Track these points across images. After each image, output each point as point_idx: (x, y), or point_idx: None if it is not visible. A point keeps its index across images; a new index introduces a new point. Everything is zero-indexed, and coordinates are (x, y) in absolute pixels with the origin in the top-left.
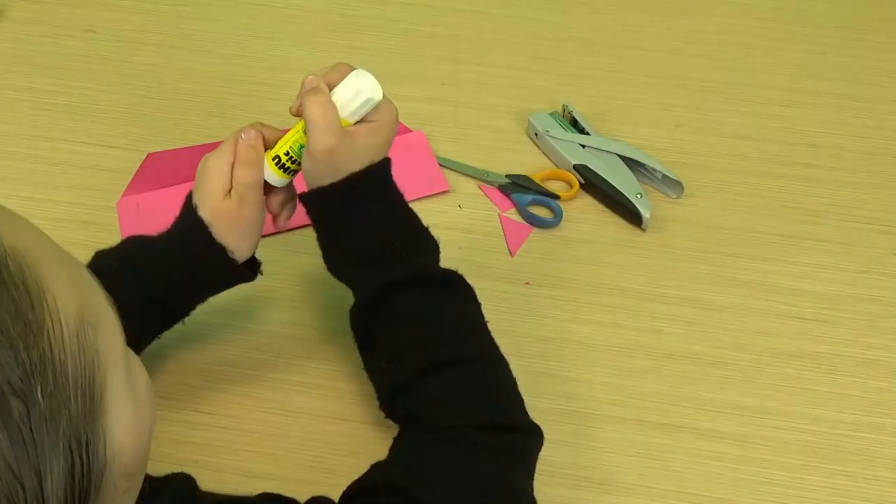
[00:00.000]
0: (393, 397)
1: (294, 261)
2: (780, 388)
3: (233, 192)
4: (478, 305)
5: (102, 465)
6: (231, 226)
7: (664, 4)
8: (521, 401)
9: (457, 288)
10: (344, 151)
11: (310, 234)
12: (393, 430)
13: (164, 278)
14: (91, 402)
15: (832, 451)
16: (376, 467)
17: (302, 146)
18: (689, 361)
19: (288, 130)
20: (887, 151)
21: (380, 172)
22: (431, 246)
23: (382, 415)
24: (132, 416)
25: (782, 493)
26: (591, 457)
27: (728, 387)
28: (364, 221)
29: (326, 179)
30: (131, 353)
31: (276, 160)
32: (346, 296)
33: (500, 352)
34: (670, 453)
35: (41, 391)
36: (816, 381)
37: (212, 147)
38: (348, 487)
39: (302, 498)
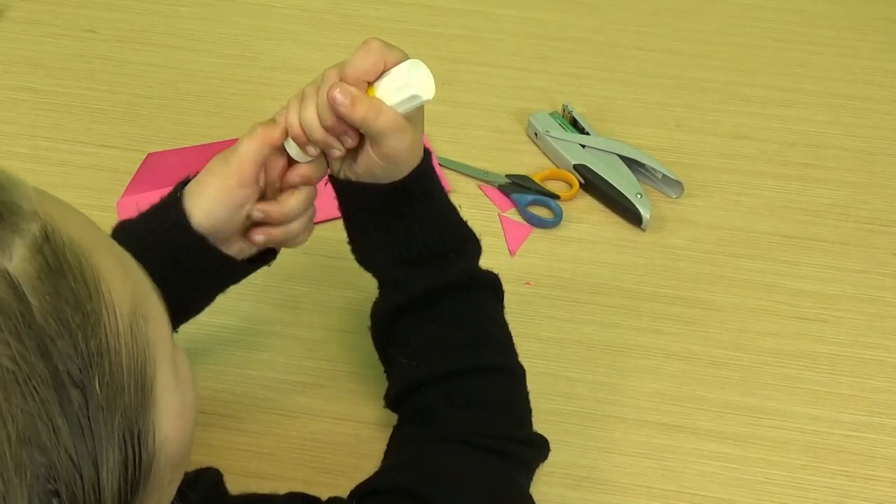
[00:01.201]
0: (409, 392)
1: (294, 261)
2: (780, 388)
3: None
4: (503, 308)
5: (151, 456)
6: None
7: (664, 4)
8: (530, 413)
9: (495, 291)
10: (418, 142)
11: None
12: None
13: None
14: (143, 393)
15: (832, 451)
16: (385, 469)
17: None
18: (689, 361)
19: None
20: (887, 151)
21: (431, 166)
22: (476, 244)
23: (383, 415)
24: (179, 407)
25: (782, 493)
26: (591, 457)
27: (728, 387)
28: (423, 220)
29: (387, 176)
30: (176, 345)
31: None
32: (346, 296)
33: (518, 360)
34: (670, 453)
35: (98, 382)
36: (816, 381)
37: (211, 148)
38: (356, 488)
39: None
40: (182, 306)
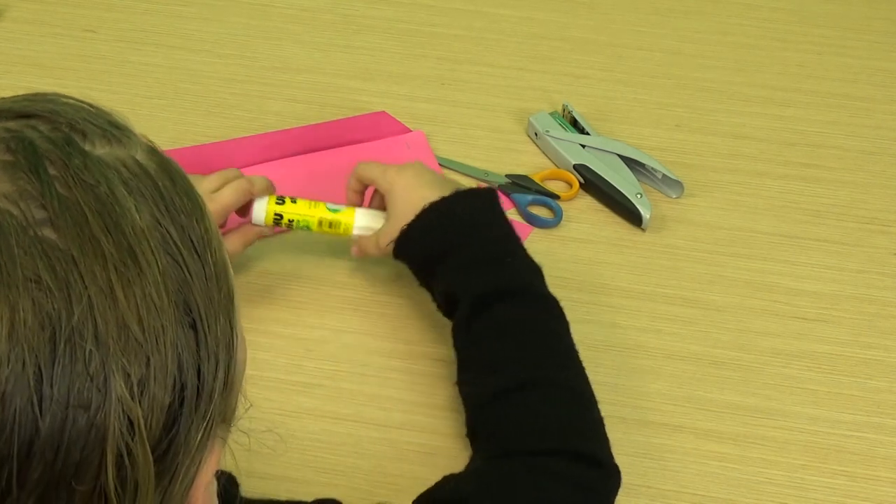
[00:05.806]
0: (479, 412)
1: (294, 261)
2: (780, 388)
3: None
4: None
5: (234, 367)
6: None
7: (664, 4)
8: (606, 439)
9: (550, 306)
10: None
11: (309, 235)
12: (393, 430)
13: None
14: (230, 296)
15: (832, 451)
16: (448, 479)
17: (306, 227)
18: (689, 361)
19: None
20: (887, 151)
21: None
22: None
23: (383, 415)
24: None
25: (782, 493)
26: None
27: (728, 387)
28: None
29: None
30: None
31: (277, 217)
32: (345, 295)
33: (589, 385)
34: (670, 453)
35: (211, 258)
36: (816, 381)
37: (211, 148)
38: (418, 497)
39: (308, 498)
40: None
